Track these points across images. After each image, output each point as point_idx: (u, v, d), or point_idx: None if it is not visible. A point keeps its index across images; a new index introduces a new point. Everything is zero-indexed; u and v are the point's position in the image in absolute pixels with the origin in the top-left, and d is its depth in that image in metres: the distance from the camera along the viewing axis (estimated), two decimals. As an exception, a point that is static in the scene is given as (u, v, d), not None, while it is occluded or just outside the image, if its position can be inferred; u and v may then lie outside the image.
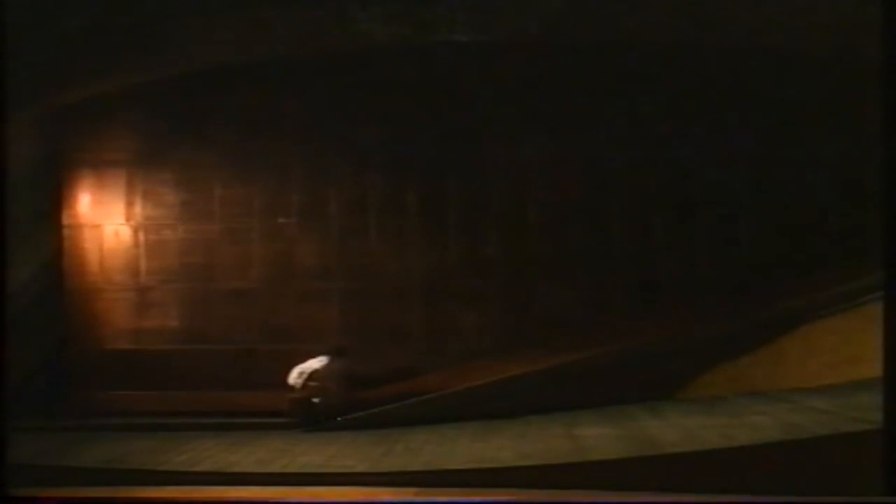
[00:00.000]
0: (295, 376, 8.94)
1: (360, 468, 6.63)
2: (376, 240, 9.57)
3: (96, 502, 5.83)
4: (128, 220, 9.88)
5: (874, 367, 5.00)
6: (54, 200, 9.82)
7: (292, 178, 9.67)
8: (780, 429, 6.48)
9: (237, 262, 9.74)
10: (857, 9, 6.99)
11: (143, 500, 6.08)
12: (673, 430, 6.93)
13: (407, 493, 5.97)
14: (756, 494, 5.30)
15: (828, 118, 8.85)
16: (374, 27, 8.41)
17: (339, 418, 8.66)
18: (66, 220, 9.89)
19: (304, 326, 9.48)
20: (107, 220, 9.88)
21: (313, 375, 8.93)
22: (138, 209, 9.86)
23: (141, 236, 9.84)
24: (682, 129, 9.11)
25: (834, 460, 5.59)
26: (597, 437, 6.98)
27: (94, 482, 6.43)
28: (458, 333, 9.38)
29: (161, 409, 9.20)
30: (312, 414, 8.77)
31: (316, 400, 8.84)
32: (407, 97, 9.42)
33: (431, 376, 9.09)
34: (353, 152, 9.57)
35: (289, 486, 6.36)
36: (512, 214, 9.41)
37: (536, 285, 9.34)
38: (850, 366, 7.92)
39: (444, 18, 8.26)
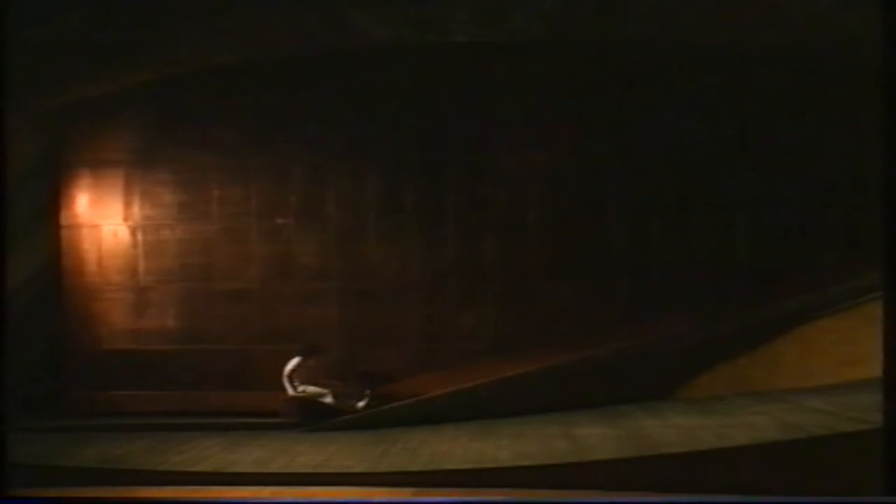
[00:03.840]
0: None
1: (358, 468, 6.63)
2: (375, 240, 9.57)
3: (95, 502, 5.84)
4: (126, 220, 9.88)
5: (872, 368, 5.01)
6: (52, 200, 9.82)
7: (291, 179, 9.67)
8: (779, 429, 6.49)
9: (235, 263, 9.74)
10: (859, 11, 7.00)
11: (141, 500, 6.09)
12: (671, 430, 6.93)
13: (405, 494, 5.97)
14: (755, 494, 5.32)
15: (827, 117, 8.86)
16: (374, 27, 8.42)
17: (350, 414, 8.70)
18: (64, 221, 9.88)
19: (303, 326, 9.47)
20: (105, 221, 9.88)
21: (292, 375, 9.01)
22: (136, 209, 9.86)
23: (139, 236, 9.83)
24: (681, 130, 9.11)
25: (833, 460, 5.60)
26: (595, 437, 6.99)
27: (93, 482, 6.42)
28: (457, 333, 9.38)
29: (160, 409, 9.22)
30: (306, 414, 8.80)
31: (328, 400, 8.88)
32: (406, 97, 9.43)
33: (430, 376, 9.11)
34: (352, 152, 9.57)
35: (287, 486, 6.35)
36: (511, 214, 9.41)
37: (535, 285, 9.34)
38: (849, 366, 7.93)
39: (444, 18, 8.27)
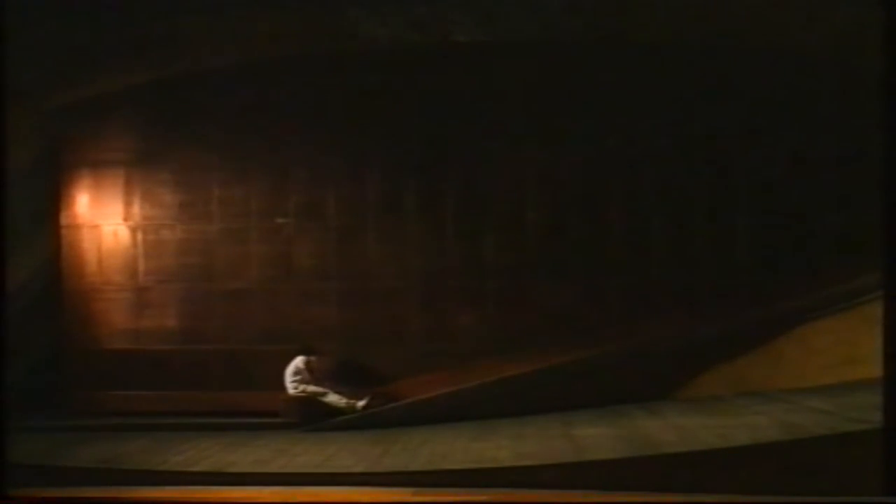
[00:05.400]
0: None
1: (358, 468, 6.63)
2: (375, 240, 9.57)
3: (95, 502, 5.84)
4: (126, 220, 9.87)
5: (872, 368, 5.01)
6: (53, 200, 9.81)
7: (291, 179, 9.67)
8: (779, 429, 6.48)
9: (235, 263, 9.73)
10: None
11: (141, 501, 6.09)
12: (671, 430, 6.93)
13: (405, 494, 5.97)
14: (755, 494, 5.32)
15: (827, 117, 8.86)
16: (374, 27, 8.42)
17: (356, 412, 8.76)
18: (64, 221, 9.88)
19: (303, 326, 9.47)
20: (105, 221, 9.88)
21: (292, 375, 9.02)
22: (136, 209, 9.86)
23: (139, 236, 9.83)
24: (681, 129, 9.12)
25: (833, 460, 5.60)
26: (595, 437, 6.98)
27: (93, 482, 6.42)
28: (457, 333, 9.37)
29: (160, 409, 9.22)
30: (306, 414, 8.81)
31: (328, 400, 8.87)
32: (406, 97, 9.43)
33: (430, 376, 9.11)
34: (352, 152, 9.57)
35: (287, 487, 6.35)
36: (511, 214, 9.41)
37: (535, 285, 9.34)
38: (848, 366, 7.94)
39: (444, 18, 8.27)
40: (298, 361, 9.10)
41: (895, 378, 4.34)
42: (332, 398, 8.88)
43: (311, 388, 8.96)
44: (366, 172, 9.59)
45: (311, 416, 8.77)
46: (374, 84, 9.43)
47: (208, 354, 9.61)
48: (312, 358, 9.13)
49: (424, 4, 8.05)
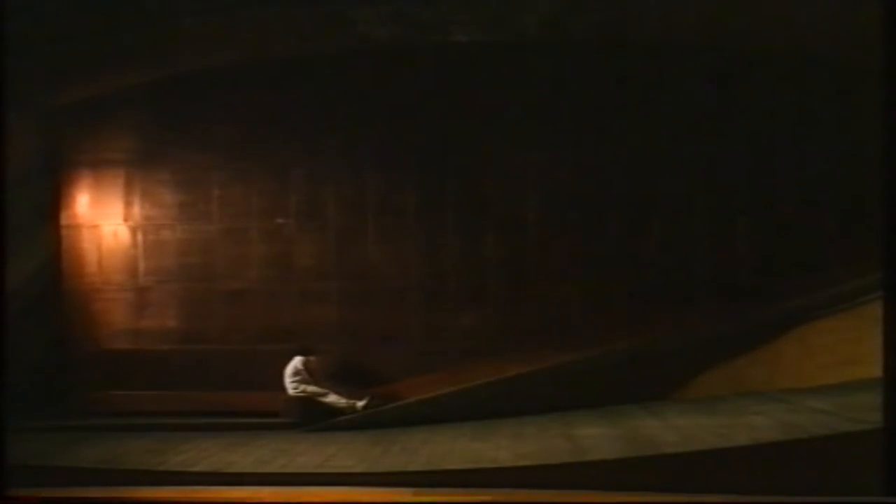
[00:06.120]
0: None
1: (358, 468, 6.63)
2: (375, 240, 9.57)
3: (95, 502, 5.84)
4: (126, 220, 9.88)
5: (871, 368, 5.02)
6: (53, 200, 9.82)
7: (291, 179, 9.67)
8: (779, 429, 6.49)
9: (235, 263, 9.74)
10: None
11: (141, 501, 6.09)
12: (671, 430, 6.93)
13: (405, 494, 5.97)
14: (755, 494, 5.32)
15: (827, 117, 8.86)
16: (374, 27, 8.42)
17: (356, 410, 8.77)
18: (64, 221, 9.88)
19: (303, 326, 9.47)
20: (105, 221, 9.88)
21: (292, 375, 9.02)
22: (137, 209, 9.86)
23: (139, 236, 9.84)
24: (680, 129, 9.12)
25: (833, 460, 5.60)
26: (595, 437, 6.98)
27: (93, 482, 6.41)
28: (457, 333, 9.37)
29: (160, 409, 9.22)
30: (306, 414, 8.81)
31: (328, 400, 8.87)
32: (406, 98, 9.43)
33: (430, 376, 9.11)
34: (352, 153, 9.58)
35: (287, 487, 6.35)
36: (511, 214, 9.41)
37: (535, 285, 9.34)
38: (847, 366, 7.94)
39: (444, 18, 8.27)
40: (297, 362, 9.10)
41: (895, 378, 4.34)
42: (332, 398, 8.88)
43: (311, 389, 8.96)
44: (366, 172, 9.59)
45: (311, 417, 8.77)
46: (373, 83, 9.44)
47: (208, 354, 9.61)
48: (311, 358, 9.14)
49: (424, 4, 8.04)
